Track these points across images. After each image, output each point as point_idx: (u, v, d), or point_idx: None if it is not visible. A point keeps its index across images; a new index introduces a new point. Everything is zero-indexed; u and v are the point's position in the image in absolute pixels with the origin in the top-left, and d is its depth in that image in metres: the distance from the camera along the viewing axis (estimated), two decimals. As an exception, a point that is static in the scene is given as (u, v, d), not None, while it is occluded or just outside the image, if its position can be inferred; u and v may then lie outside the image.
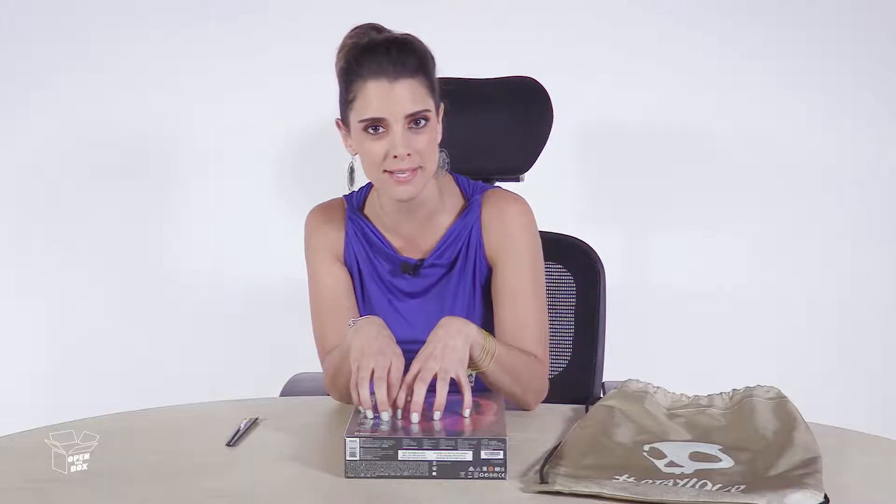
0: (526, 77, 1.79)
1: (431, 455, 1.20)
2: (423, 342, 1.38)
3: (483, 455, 1.20)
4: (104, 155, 2.52)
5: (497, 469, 1.20)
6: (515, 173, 1.80)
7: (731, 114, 2.48)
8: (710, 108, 2.47)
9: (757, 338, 2.53)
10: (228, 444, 1.32)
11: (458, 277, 1.56)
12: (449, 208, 1.57)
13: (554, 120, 1.78)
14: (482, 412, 1.32)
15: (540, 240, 1.57)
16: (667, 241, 2.56)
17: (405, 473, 1.20)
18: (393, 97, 1.40)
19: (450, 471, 1.20)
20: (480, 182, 1.62)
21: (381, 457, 1.20)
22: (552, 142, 1.79)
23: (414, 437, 1.21)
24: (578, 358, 1.79)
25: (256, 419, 1.42)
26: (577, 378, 1.78)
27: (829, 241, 2.53)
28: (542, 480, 1.16)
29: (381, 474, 1.20)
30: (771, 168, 2.50)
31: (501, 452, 1.20)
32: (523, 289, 1.52)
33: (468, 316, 1.52)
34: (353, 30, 1.52)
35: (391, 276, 1.57)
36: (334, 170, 2.50)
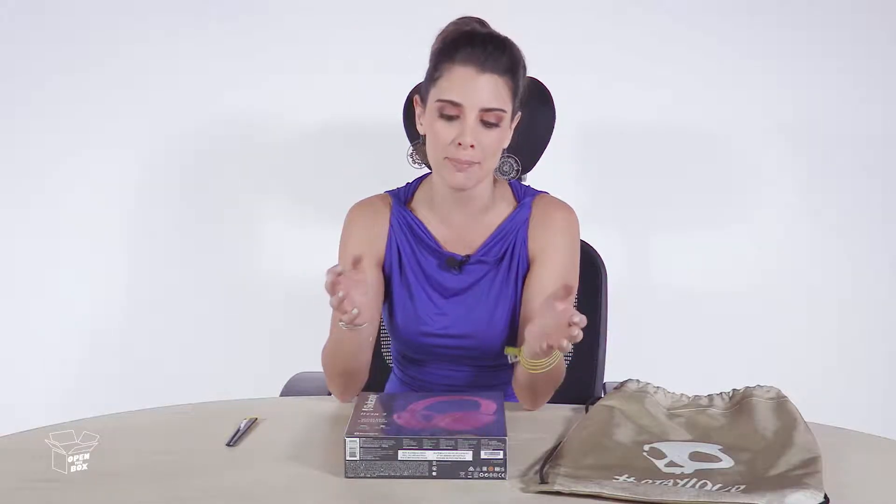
0: (529, 77, 1.79)
1: (431, 455, 1.21)
2: (458, 336, 1.55)
3: (483, 455, 1.20)
4: (100, 155, 2.52)
5: (497, 469, 1.20)
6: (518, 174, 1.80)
7: (731, 114, 2.47)
8: (710, 108, 2.47)
9: (757, 338, 2.53)
10: (228, 444, 1.32)
11: (505, 275, 1.58)
12: (501, 207, 1.61)
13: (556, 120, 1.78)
14: (482, 411, 1.32)
15: (579, 249, 1.61)
16: (667, 242, 2.56)
17: (405, 473, 1.21)
18: (475, 87, 1.44)
19: (450, 471, 1.21)
20: (531, 187, 1.66)
21: (381, 457, 1.21)
22: (552, 142, 1.79)
23: (414, 437, 1.21)
24: (579, 358, 1.79)
25: (256, 419, 1.42)
26: (578, 378, 1.78)
27: (829, 240, 2.53)
28: (542, 480, 1.16)
29: (381, 474, 1.21)
30: (770, 168, 2.50)
31: (501, 452, 1.20)
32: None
33: (509, 313, 1.56)
34: (457, 18, 1.54)
35: (434, 272, 1.59)
36: (333, 170, 2.51)
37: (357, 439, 1.21)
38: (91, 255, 2.56)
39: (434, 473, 1.21)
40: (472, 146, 1.45)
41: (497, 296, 1.57)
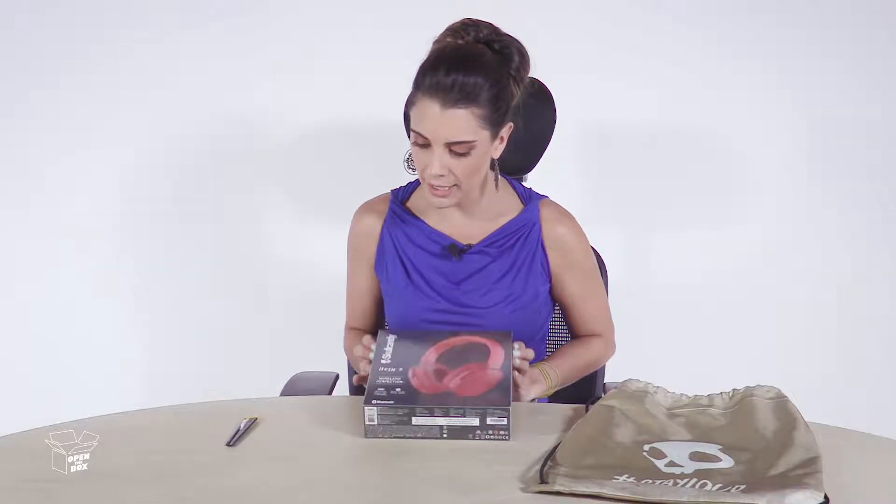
0: (530, 77, 1.78)
1: (442, 420, 1.31)
2: (458, 324, 1.57)
3: (489, 421, 1.30)
4: (99, 155, 2.52)
5: (502, 433, 1.31)
6: (519, 174, 1.79)
7: (732, 114, 2.47)
8: (710, 108, 2.47)
9: (757, 338, 2.53)
10: (228, 444, 1.32)
11: (511, 267, 1.61)
12: (505, 208, 1.64)
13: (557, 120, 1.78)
14: (490, 365, 1.39)
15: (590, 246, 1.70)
16: (667, 241, 2.56)
17: (419, 436, 1.31)
18: (439, 123, 1.44)
19: (459, 434, 1.31)
20: (533, 189, 1.69)
21: (397, 421, 1.31)
22: (553, 142, 1.79)
23: (426, 406, 1.30)
24: (579, 358, 1.78)
25: (256, 419, 1.42)
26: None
27: (829, 240, 2.53)
28: (542, 480, 1.16)
29: (397, 436, 1.31)
30: (770, 168, 2.50)
31: (506, 419, 1.30)
32: (591, 287, 1.67)
33: (511, 304, 1.60)
34: (455, 23, 1.52)
35: (433, 261, 1.62)
36: (333, 170, 2.51)
37: (375, 408, 1.30)
38: (91, 255, 2.57)
39: (445, 436, 1.31)
40: (442, 175, 1.48)
41: (499, 287, 1.60)
